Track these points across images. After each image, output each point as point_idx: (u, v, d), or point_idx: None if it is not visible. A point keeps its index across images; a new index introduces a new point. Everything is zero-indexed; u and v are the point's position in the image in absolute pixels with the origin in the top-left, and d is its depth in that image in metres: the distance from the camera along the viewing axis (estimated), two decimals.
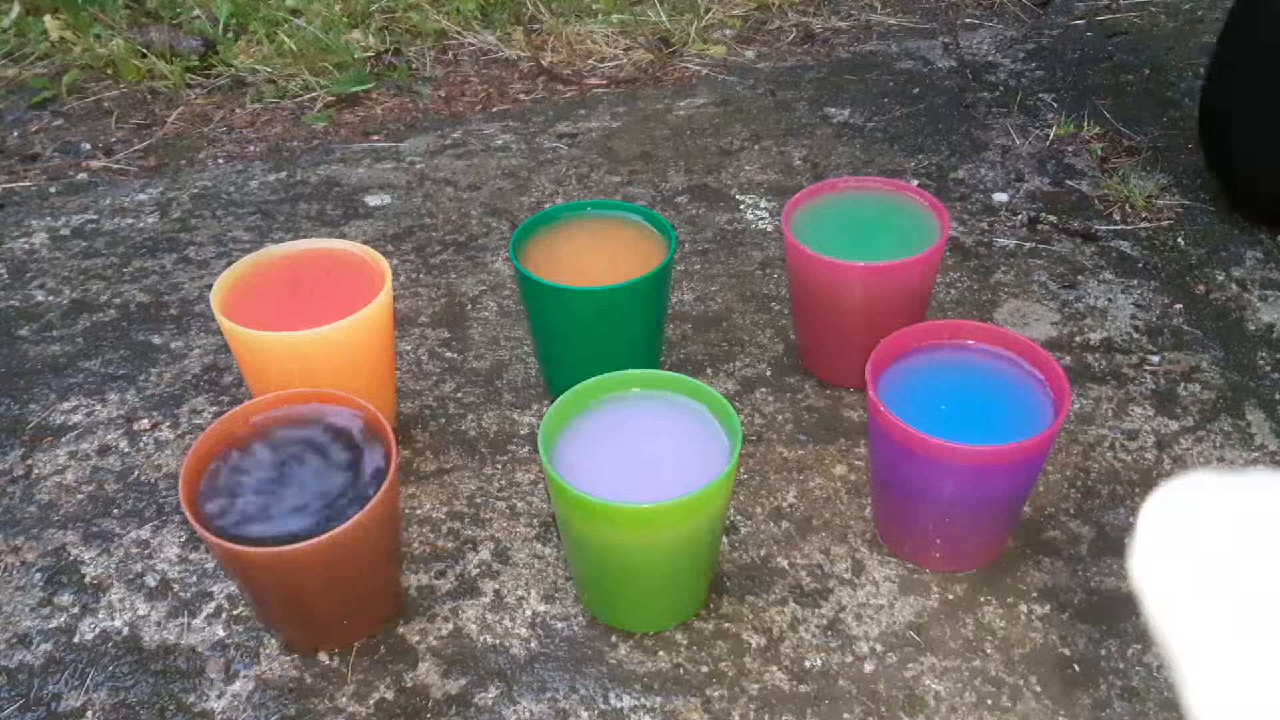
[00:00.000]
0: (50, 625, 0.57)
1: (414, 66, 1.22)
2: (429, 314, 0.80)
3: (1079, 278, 0.82)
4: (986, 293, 0.80)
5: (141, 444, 0.69)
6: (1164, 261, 0.84)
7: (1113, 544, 0.60)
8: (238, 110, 1.13)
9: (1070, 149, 1.00)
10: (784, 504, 0.63)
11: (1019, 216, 0.90)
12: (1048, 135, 1.02)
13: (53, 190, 0.99)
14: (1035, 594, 0.57)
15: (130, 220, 0.93)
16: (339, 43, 1.21)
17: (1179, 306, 0.79)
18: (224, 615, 0.57)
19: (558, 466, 0.51)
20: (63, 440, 0.69)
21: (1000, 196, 0.93)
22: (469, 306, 0.81)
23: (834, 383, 0.71)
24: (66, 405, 0.72)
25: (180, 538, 0.62)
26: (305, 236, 0.83)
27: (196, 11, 1.29)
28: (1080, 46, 1.19)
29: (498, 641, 0.56)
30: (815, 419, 0.69)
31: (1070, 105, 1.06)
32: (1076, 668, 0.54)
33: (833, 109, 1.09)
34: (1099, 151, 0.99)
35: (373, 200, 0.95)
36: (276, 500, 0.51)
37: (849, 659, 0.54)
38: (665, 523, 0.49)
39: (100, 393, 0.73)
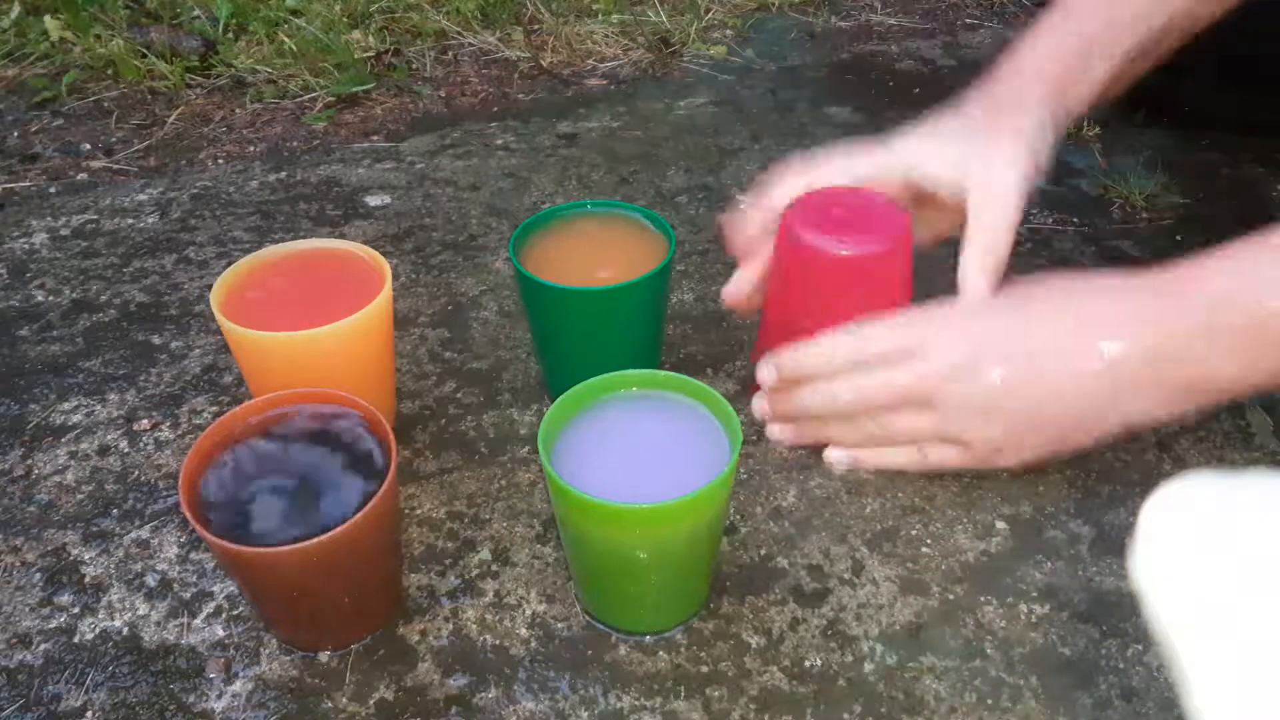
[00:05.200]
0: (50, 625, 0.57)
1: (414, 66, 1.22)
2: (429, 314, 0.80)
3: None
4: None
5: (141, 444, 0.69)
6: (1164, 261, 0.84)
7: (1113, 544, 0.60)
8: (238, 110, 1.13)
9: (1070, 149, 1.00)
10: (784, 504, 0.63)
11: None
12: None
13: (53, 190, 0.99)
14: (1035, 594, 0.57)
15: (130, 220, 0.93)
16: (339, 43, 1.21)
17: None
18: (224, 615, 0.57)
19: (558, 466, 0.51)
20: (63, 440, 0.69)
21: None
22: (469, 306, 0.81)
23: None
24: (66, 405, 0.72)
25: (180, 538, 0.62)
26: (305, 236, 0.83)
27: (196, 11, 1.29)
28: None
29: (498, 641, 0.56)
30: None
31: None
32: (1076, 668, 0.54)
33: (833, 109, 1.09)
34: (1099, 151, 0.99)
35: (373, 200, 0.95)
36: (276, 500, 0.51)
37: (849, 659, 0.54)
38: (665, 523, 0.49)
39: (100, 393, 0.73)
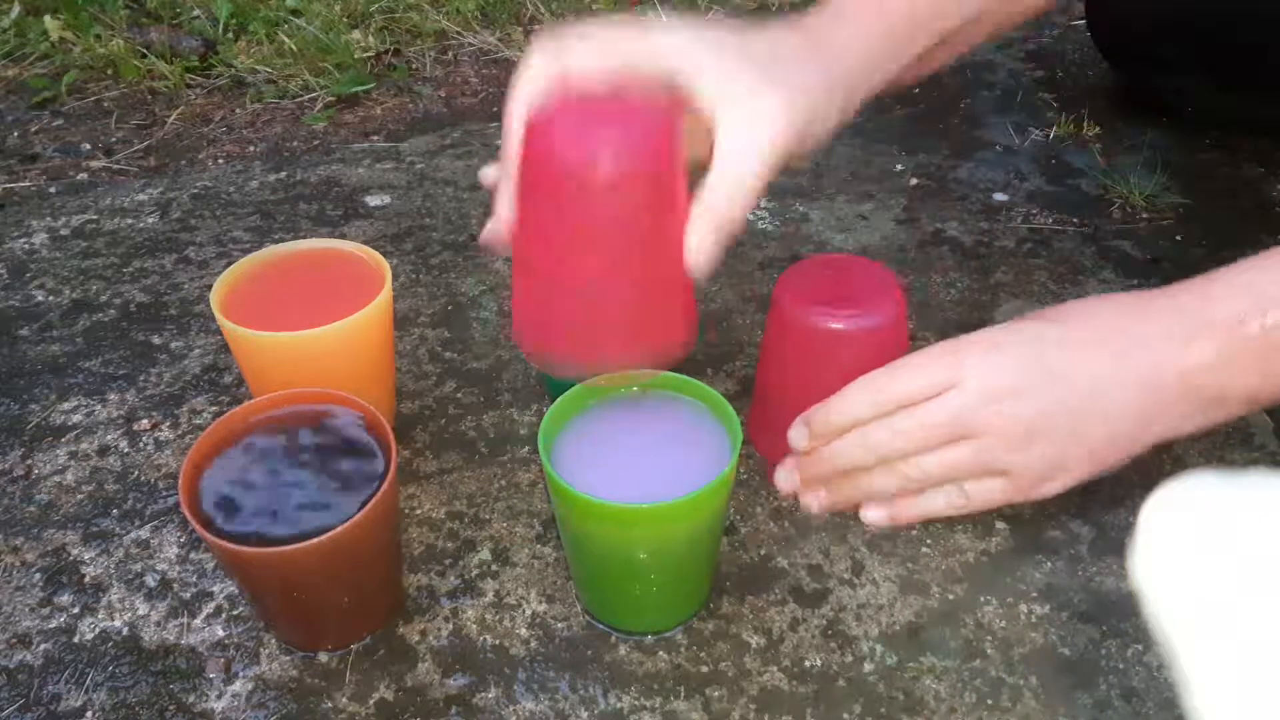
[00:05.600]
0: (50, 625, 0.57)
1: (414, 66, 1.22)
2: (429, 314, 0.80)
3: (1079, 277, 0.82)
4: (986, 293, 0.80)
5: (141, 444, 0.69)
6: (1164, 261, 0.84)
7: (1113, 544, 0.60)
8: (238, 110, 1.13)
9: (1070, 149, 1.00)
10: (784, 504, 0.63)
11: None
12: (1048, 135, 1.02)
13: (53, 190, 0.99)
14: (1035, 594, 0.57)
15: (130, 220, 0.93)
16: (339, 43, 1.21)
17: None
18: (224, 615, 0.57)
19: (558, 466, 0.51)
20: (63, 440, 0.69)
21: (1000, 196, 0.93)
22: (469, 306, 0.81)
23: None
24: (66, 405, 0.72)
25: (180, 538, 0.62)
26: (305, 236, 0.83)
27: (196, 11, 1.29)
28: (1080, 46, 1.19)
29: (498, 641, 0.56)
30: None
31: (1070, 105, 1.06)
32: (1076, 668, 0.54)
33: None
34: (1099, 151, 0.99)
35: (373, 200, 0.95)
36: (276, 500, 0.51)
37: (849, 659, 0.54)
38: (665, 523, 0.49)
39: (100, 393, 0.73)
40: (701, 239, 0.49)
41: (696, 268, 0.50)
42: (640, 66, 0.51)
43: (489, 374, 0.74)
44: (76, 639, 0.56)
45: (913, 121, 1.06)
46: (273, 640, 0.56)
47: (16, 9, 1.27)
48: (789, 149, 0.50)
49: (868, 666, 0.54)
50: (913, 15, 0.58)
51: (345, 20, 1.27)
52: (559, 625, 0.56)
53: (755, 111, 0.49)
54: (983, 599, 0.57)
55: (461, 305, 0.81)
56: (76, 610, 0.58)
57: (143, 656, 0.55)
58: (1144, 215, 0.90)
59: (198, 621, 0.57)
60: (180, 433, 0.70)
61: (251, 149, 1.06)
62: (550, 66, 0.52)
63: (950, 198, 0.93)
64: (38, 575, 0.60)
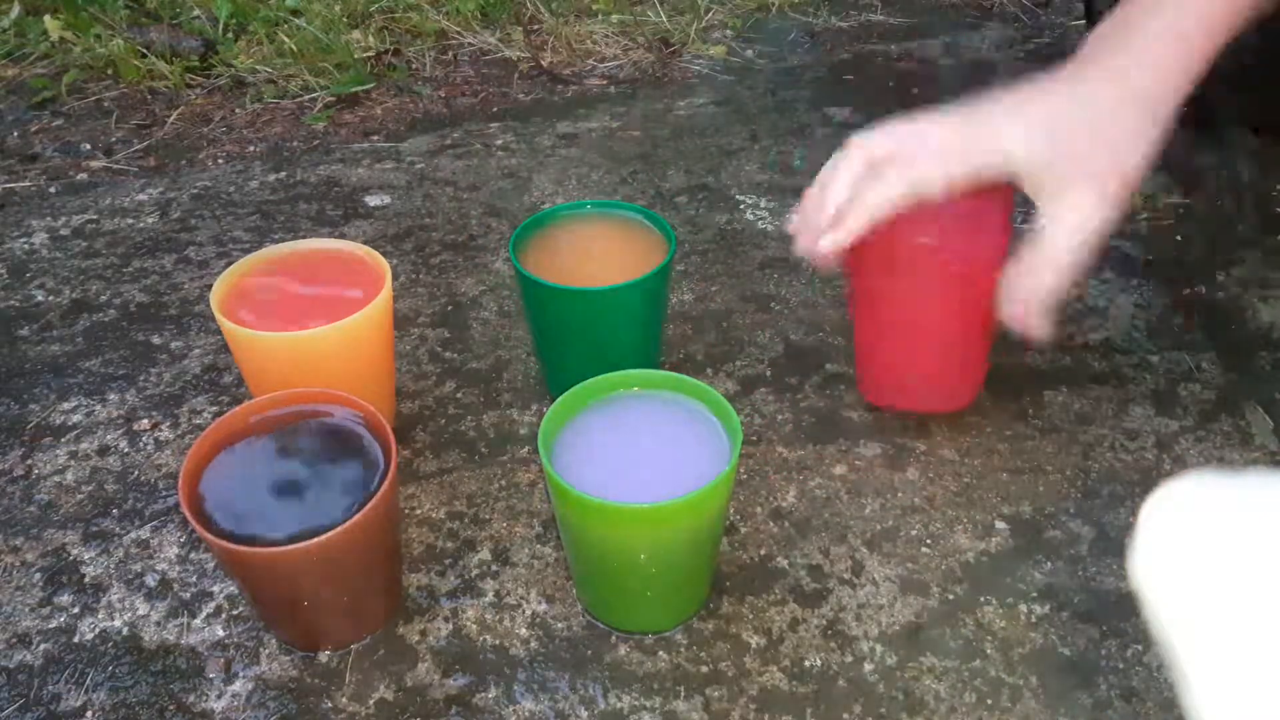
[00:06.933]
0: (50, 625, 0.57)
1: (414, 66, 1.22)
2: (429, 314, 0.80)
3: (1079, 277, 0.82)
4: None
5: (141, 444, 0.69)
6: (1164, 261, 0.84)
7: (1113, 544, 0.60)
8: (238, 110, 1.13)
9: None
10: (784, 504, 0.63)
11: None
12: None
13: (53, 190, 0.99)
14: (1035, 594, 0.57)
15: (130, 220, 0.93)
16: (339, 43, 1.21)
17: (1179, 306, 0.79)
18: (224, 615, 0.57)
19: (558, 466, 0.51)
20: (63, 440, 0.69)
21: None
22: (469, 306, 0.81)
23: None
24: (66, 405, 0.72)
25: (180, 538, 0.62)
26: (305, 236, 0.83)
27: (196, 11, 1.29)
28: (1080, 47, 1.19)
29: (498, 641, 0.56)
30: (815, 419, 0.69)
31: None
32: (1076, 668, 0.54)
33: (833, 109, 1.09)
34: None
35: (373, 200, 0.95)
36: (276, 500, 0.51)
37: (849, 659, 0.54)
38: (665, 523, 0.49)
39: (100, 393, 0.73)
40: (1027, 310, 0.58)
41: (1034, 332, 0.58)
42: (983, 171, 0.59)
43: (489, 374, 0.74)
44: (76, 639, 0.56)
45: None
46: (273, 640, 0.56)
47: (16, 9, 1.27)
48: (1103, 227, 0.57)
49: (868, 666, 0.54)
50: (1210, 27, 0.62)
51: (345, 20, 1.27)
52: (559, 625, 0.56)
53: (1071, 205, 0.57)
54: (983, 599, 0.57)
55: (461, 305, 0.81)
56: (76, 610, 0.58)
57: (143, 656, 0.55)
58: (1143, 216, 0.90)
59: (198, 621, 0.57)
60: (180, 433, 0.70)
61: (251, 149, 1.06)
62: (898, 185, 0.60)
63: None
64: (38, 575, 0.60)
